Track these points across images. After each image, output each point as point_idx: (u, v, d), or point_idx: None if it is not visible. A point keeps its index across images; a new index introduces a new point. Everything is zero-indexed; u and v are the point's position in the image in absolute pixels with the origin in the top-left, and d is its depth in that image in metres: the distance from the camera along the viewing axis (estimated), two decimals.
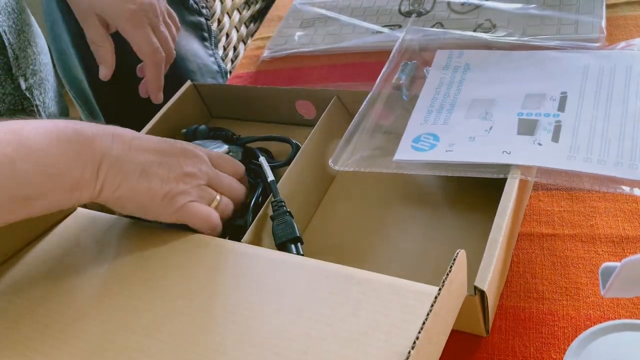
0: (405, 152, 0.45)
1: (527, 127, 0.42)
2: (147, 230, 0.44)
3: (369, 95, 0.51)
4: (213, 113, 0.65)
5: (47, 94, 0.61)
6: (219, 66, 0.78)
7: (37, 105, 0.57)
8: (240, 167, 0.50)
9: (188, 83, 0.62)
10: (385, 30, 0.68)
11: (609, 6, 0.62)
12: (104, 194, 0.40)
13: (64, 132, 0.37)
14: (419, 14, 0.69)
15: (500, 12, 0.64)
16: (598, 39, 0.57)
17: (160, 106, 0.60)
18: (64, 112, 0.66)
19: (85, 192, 0.38)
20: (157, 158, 0.42)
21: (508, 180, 0.39)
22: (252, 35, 0.93)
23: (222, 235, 0.48)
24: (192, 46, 0.74)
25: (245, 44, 0.91)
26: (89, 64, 0.68)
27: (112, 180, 0.39)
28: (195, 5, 0.74)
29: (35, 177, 0.35)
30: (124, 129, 0.43)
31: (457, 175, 0.41)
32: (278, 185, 0.47)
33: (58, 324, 0.38)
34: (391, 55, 0.55)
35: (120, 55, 0.66)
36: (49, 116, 0.62)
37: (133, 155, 0.41)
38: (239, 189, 0.48)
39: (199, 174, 0.44)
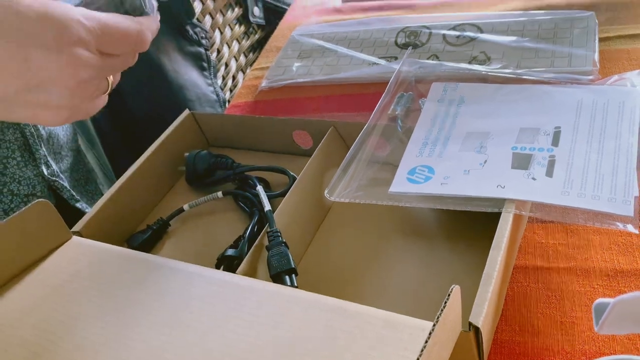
0: (400, 184, 0.45)
1: (522, 162, 0.43)
2: (143, 260, 0.44)
3: (365, 127, 0.52)
4: (211, 141, 0.66)
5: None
6: (218, 95, 0.79)
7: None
8: (139, 29, 0.40)
9: (186, 112, 0.63)
10: (382, 61, 0.69)
11: (601, 40, 0.63)
12: None
13: None
14: (415, 46, 0.70)
15: (495, 45, 0.65)
16: (591, 72, 0.58)
17: (158, 134, 0.61)
18: (69, 137, 0.66)
19: None
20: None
21: (502, 214, 0.39)
22: (250, 65, 0.94)
23: (217, 265, 0.48)
24: (191, 76, 0.75)
25: (244, 73, 0.92)
26: None
27: None
28: (195, 36, 0.75)
29: None
30: None
31: (452, 209, 0.42)
32: (274, 215, 0.48)
33: (49, 353, 0.37)
34: (387, 87, 0.56)
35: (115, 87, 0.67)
36: (51, 135, 0.61)
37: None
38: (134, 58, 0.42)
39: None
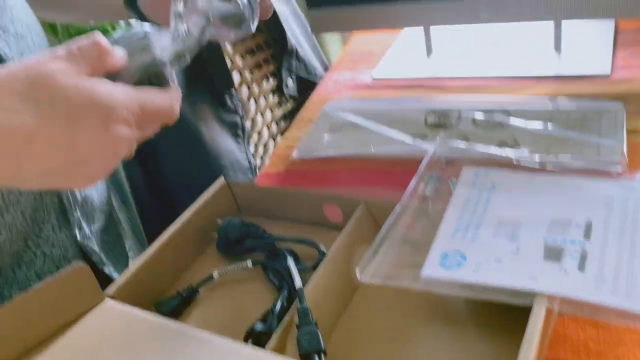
0: (432, 269, 0.45)
1: (553, 253, 0.43)
2: (173, 330, 0.45)
3: (397, 206, 0.53)
4: (243, 210, 0.67)
5: None
6: (250, 162, 0.81)
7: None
8: (171, 103, 0.43)
9: (221, 180, 0.65)
10: (412, 140, 0.71)
11: (630, 132, 0.64)
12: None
13: None
14: (445, 127, 0.72)
15: (523, 131, 0.67)
16: (619, 163, 0.59)
17: (192, 198, 0.62)
18: (103, 200, 0.68)
19: None
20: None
21: (534, 308, 0.39)
22: (282, 133, 0.97)
23: (245, 338, 0.48)
24: (227, 143, 0.77)
25: (275, 140, 0.95)
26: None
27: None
28: (232, 106, 0.78)
29: None
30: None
31: (484, 298, 0.42)
32: (305, 290, 0.48)
33: None
34: (419, 168, 0.58)
35: (150, 147, 0.69)
36: (86, 200, 0.63)
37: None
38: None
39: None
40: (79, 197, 0.61)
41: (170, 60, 0.45)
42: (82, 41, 0.40)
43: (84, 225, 0.62)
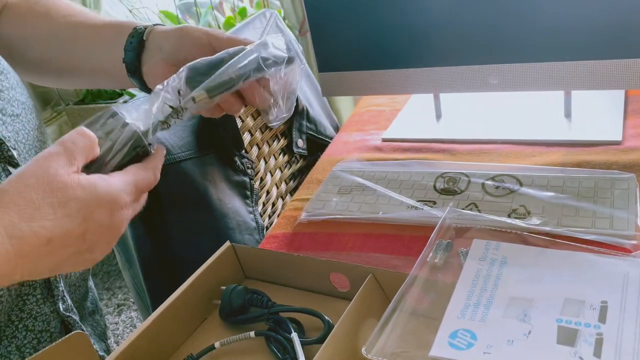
0: (441, 349, 0.44)
1: (567, 337, 0.42)
2: None
3: (406, 279, 0.52)
4: (247, 274, 0.66)
5: None
6: (257, 223, 0.80)
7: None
8: (155, 174, 0.49)
9: (227, 244, 0.64)
10: (420, 205, 0.70)
11: None
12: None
13: None
14: (454, 193, 0.71)
15: (534, 199, 0.66)
16: (634, 237, 0.58)
17: (197, 265, 0.61)
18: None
19: None
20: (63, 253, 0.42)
21: None
22: (290, 192, 0.97)
23: None
24: (234, 204, 0.77)
25: (283, 199, 0.95)
26: (134, 218, 0.72)
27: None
28: (241, 166, 0.78)
29: None
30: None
31: None
32: None
33: None
34: (430, 238, 0.57)
35: (156, 207, 0.69)
36: (70, 285, 0.64)
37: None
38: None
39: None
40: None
41: (150, 128, 0.50)
42: (72, 135, 0.44)
43: (67, 297, 0.62)
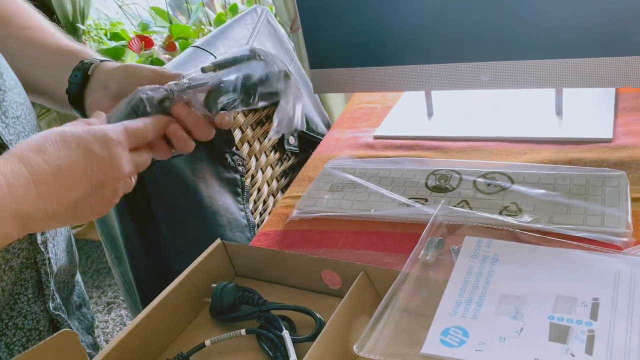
0: (433, 346, 0.44)
1: (559, 334, 0.42)
2: None
3: (398, 277, 0.52)
4: (238, 272, 0.66)
5: (59, 246, 0.62)
6: (248, 220, 0.80)
7: (48, 259, 0.59)
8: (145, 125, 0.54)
9: (218, 241, 0.63)
10: (412, 203, 0.70)
11: (634, 200, 0.63)
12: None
13: None
14: (445, 191, 0.71)
15: (526, 197, 0.66)
16: (625, 234, 0.58)
17: (188, 262, 0.61)
18: (73, 264, 0.68)
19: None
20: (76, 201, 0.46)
21: None
22: (282, 190, 0.96)
23: None
24: (225, 201, 0.76)
25: (274, 197, 0.94)
26: (123, 214, 0.71)
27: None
28: (232, 163, 0.78)
29: None
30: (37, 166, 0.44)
31: None
32: None
33: None
34: (422, 236, 0.56)
35: (146, 204, 0.68)
36: (60, 269, 0.63)
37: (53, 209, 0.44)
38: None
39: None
40: (55, 269, 0.60)
41: (156, 98, 0.56)
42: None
43: (57, 295, 0.62)
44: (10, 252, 0.54)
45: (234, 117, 0.85)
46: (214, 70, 0.57)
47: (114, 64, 0.63)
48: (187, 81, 0.56)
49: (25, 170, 0.42)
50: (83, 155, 0.46)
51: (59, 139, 0.45)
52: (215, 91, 0.55)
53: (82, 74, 0.61)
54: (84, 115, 0.63)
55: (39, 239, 0.57)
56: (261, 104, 0.57)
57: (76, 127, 0.48)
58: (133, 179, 0.53)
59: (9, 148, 0.53)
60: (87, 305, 0.71)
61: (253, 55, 0.57)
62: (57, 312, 0.61)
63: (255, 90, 0.56)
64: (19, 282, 0.57)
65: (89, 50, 0.65)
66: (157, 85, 0.56)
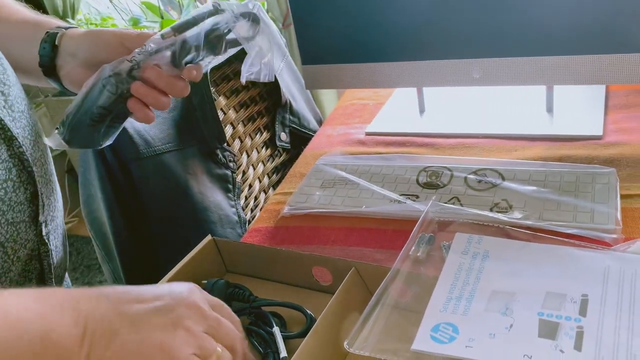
0: (423, 342, 0.44)
1: (548, 330, 0.42)
2: None
3: (389, 273, 0.52)
4: (229, 268, 0.65)
5: (58, 239, 0.62)
6: (239, 217, 0.80)
7: (51, 250, 0.58)
8: (236, 319, 0.48)
9: (208, 237, 0.63)
10: (403, 199, 0.70)
11: (623, 197, 0.64)
12: (93, 356, 0.37)
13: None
14: (437, 187, 0.71)
15: (516, 193, 0.66)
16: (614, 231, 0.58)
17: (178, 258, 0.61)
18: (66, 258, 0.68)
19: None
20: (151, 306, 0.40)
21: None
22: (273, 186, 0.96)
23: None
24: (216, 198, 0.76)
25: (266, 193, 0.94)
26: (114, 210, 0.70)
27: (99, 339, 0.37)
28: (223, 160, 0.77)
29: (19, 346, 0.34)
30: (114, 287, 0.41)
31: None
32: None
33: None
34: (413, 232, 0.56)
35: (137, 200, 0.67)
36: (60, 261, 0.63)
37: (123, 308, 0.39)
38: (240, 338, 0.46)
39: (199, 321, 0.42)
40: (55, 260, 0.60)
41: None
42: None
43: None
44: (18, 242, 0.54)
45: (225, 112, 0.85)
46: (174, 35, 0.56)
47: (79, 30, 0.62)
48: (152, 46, 0.56)
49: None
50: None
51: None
52: (180, 50, 0.55)
53: (50, 45, 0.60)
54: (62, 86, 0.62)
55: (44, 230, 0.57)
56: (231, 51, 0.56)
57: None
58: None
59: (18, 141, 0.53)
60: None
61: (214, 11, 0.56)
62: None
63: (221, 40, 0.56)
64: (24, 274, 0.56)
65: (55, 20, 0.64)
66: (122, 58, 0.55)
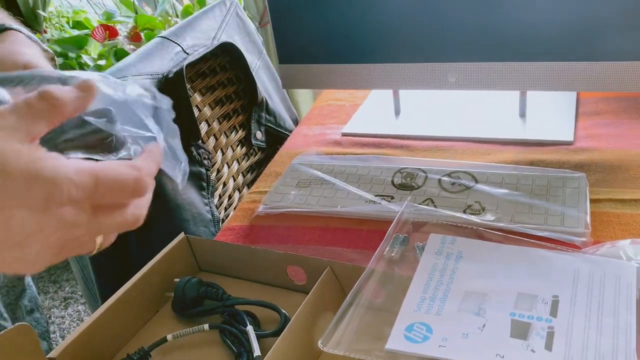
0: (397, 342, 0.44)
1: (520, 330, 0.42)
2: None
3: (363, 273, 0.52)
4: (202, 266, 0.65)
5: None
6: (213, 215, 0.79)
7: None
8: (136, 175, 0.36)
9: (181, 235, 0.62)
10: (378, 200, 0.71)
11: (592, 201, 0.65)
12: None
13: None
14: (411, 188, 0.72)
15: (489, 196, 0.67)
16: (584, 234, 0.59)
17: (150, 256, 0.60)
18: None
19: None
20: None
21: None
22: (248, 185, 0.96)
23: None
24: (190, 195, 0.75)
25: (240, 192, 0.93)
26: None
27: None
28: (198, 157, 0.76)
29: None
30: None
31: None
32: (264, 359, 0.46)
33: None
34: (388, 232, 0.57)
35: None
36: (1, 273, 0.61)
37: None
38: (139, 215, 0.37)
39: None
40: None
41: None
42: (30, 95, 0.34)
43: None
44: None
45: (200, 109, 0.83)
46: None
47: None
48: None
49: None
50: (7, 196, 0.32)
51: None
52: None
53: None
54: None
55: None
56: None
57: (21, 142, 0.33)
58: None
59: None
60: (39, 310, 0.68)
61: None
62: None
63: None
64: None
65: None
66: None
